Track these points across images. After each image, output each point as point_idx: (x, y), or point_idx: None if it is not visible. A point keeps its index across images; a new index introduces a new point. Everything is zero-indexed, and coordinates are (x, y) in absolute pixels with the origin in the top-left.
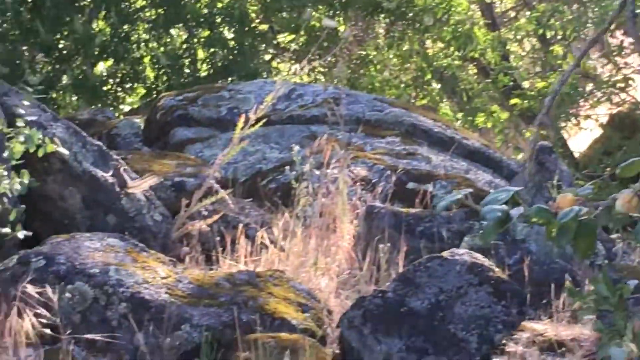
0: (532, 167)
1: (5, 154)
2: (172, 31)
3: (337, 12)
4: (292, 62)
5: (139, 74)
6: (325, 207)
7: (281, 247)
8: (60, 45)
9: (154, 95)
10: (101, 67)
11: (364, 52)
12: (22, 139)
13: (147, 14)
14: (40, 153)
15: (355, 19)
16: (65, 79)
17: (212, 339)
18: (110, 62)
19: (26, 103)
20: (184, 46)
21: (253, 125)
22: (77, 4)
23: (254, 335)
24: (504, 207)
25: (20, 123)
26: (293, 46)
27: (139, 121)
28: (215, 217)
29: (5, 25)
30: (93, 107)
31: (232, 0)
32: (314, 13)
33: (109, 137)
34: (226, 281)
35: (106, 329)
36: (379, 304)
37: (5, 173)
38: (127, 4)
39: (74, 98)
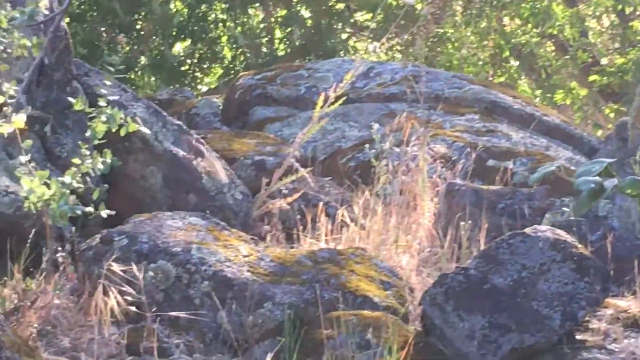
0: (615, 143)
1: (88, 134)
2: (250, 11)
3: None
4: (369, 40)
5: (217, 54)
6: (405, 184)
7: (362, 225)
8: (138, 26)
9: (232, 75)
10: (178, 48)
11: (441, 30)
12: (104, 118)
13: None
14: (122, 132)
15: None
16: (143, 60)
17: (295, 316)
18: (188, 42)
19: (108, 83)
20: (262, 26)
21: (332, 103)
22: None
23: (337, 312)
24: (598, 178)
25: (102, 103)
26: (370, 24)
27: (218, 101)
28: (296, 195)
29: (83, 6)
30: (171, 87)
31: None
32: None
33: (188, 117)
34: (308, 259)
35: (189, 307)
36: (462, 281)
37: (88, 152)
38: None
39: (152, 78)
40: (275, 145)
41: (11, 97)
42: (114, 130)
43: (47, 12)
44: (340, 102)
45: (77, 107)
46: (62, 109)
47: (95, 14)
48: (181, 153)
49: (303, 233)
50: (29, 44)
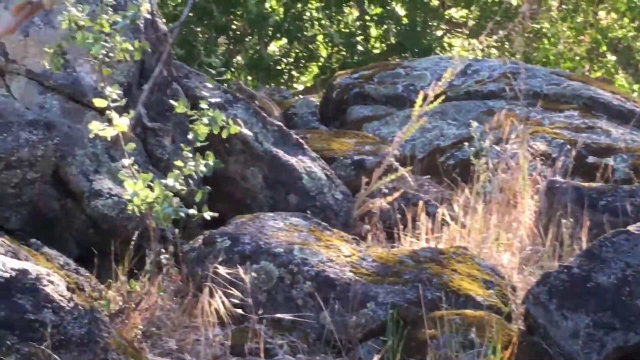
0: None
1: (190, 136)
2: (345, 9)
3: None
4: (465, 37)
5: (312, 53)
6: (505, 182)
7: (462, 224)
8: (234, 26)
9: (327, 74)
10: (274, 47)
11: (537, 25)
12: (206, 120)
13: None
14: (224, 135)
15: None
16: (239, 59)
17: (397, 316)
18: (284, 41)
19: (209, 85)
20: (357, 24)
21: (431, 102)
22: None
23: (439, 312)
24: None
25: (203, 105)
26: (466, 21)
27: (315, 100)
28: (396, 194)
29: (180, 7)
30: (268, 86)
31: None
32: None
33: (286, 117)
34: (409, 258)
35: (292, 308)
36: (565, 279)
37: (190, 155)
38: None
39: (249, 78)
40: (374, 145)
41: (114, 100)
42: (215, 132)
43: (148, 16)
44: (439, 100)
45: (179, 110)
46: (163, 111)
47: (191, 14)
48: (281, 153)
49: (403, 232)
50: (130, 47)
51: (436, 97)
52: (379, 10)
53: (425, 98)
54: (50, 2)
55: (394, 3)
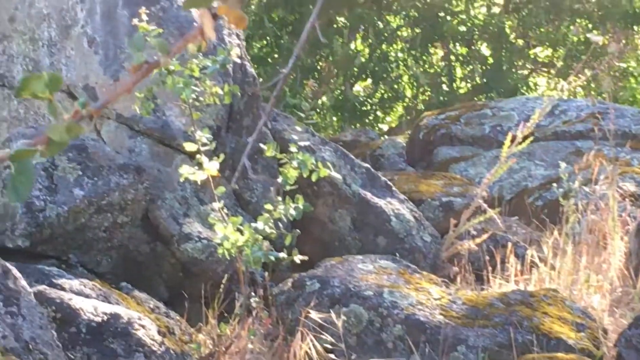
0: None
1: (279, 179)
2: (430, 49)
3: (596, 24)
4: (551, 76)
5: (398, 93)
6: (594, 223)
7: (551, 265)
8: (319, 67)
9: (412, 114)
10: (359, 87)
11: (624, 65)
12: (295, 164)
13: (405, 33)
14: (314, 178)
15: (613, 31)
16: (325, 100)
17: None
18: (369, 81)
19: (298, 129)
20: (442, 64)
21: (520, 143)
22: (335, 26)
23: (531, 355)
24: None
25: (293, 149)
26: (553, 61)
27: (402, 141)
28: (484, 236)
29: (265, 49)
30: (353, 126)
31: (489, 16)
32: (570, 26)
33: (373, 158)
34: (499, 301)
35: (382, 352)
36: None
37: (280, 198)
38: (384, 23)
39: (334, 119)
40: (462, 186)
41: (204, 144)
42: (305, 176)
43: (237, 60)
44: (528, 141)
45: (269, 154)
46: (252, 154)
47: (276, 56)
48: (369, 195)
49: (492, 274)
50: (220, 91)
51: (524, 138)
52: (464, 50)
53: (513, 139)
54: (166, 61)
55: (479, 43)
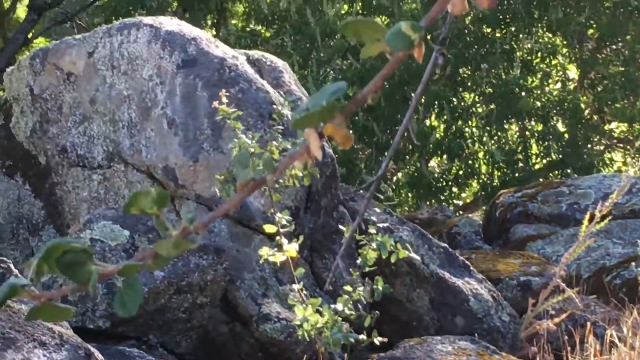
0: None
1: (358, 261)
2: (505, 126)
3: None
4: (627, 152)
5: (473, 169)
6: None
7: (631, 345)
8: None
9: (488, 190)
10: (434, 164)
11: None
12: (374, 245)
13: (480, 110)
14: (393, 259)
15: None
16: (400, 176)
17: None
18: (444, 158)
19: (377, 210)
20: (518, 140)
21: (598, 222)
22: (410, 102)
23: None
24: None
25: (372, 230)
26: (628, 136)
27: (478, 219)
28: (563, 315)
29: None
30: (428, 203)
31: (564, 92)
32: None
33: (450, 236)
34: None
35: None
36: None
37: (359, 279)
38: (459, 100)
39: (409, 195)
40: (539, 265)
41: (283, 225)
42: (384, 257)
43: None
44: (607, 220)
45: (347, 235)
46: (330, 234)
47: (351, 132)
48: (447, 275)
49: (571, 354)
50: (299, 173)
51: (602, 216)
52: (539, 126)
53: (592, 218)
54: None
55: (554, 119)
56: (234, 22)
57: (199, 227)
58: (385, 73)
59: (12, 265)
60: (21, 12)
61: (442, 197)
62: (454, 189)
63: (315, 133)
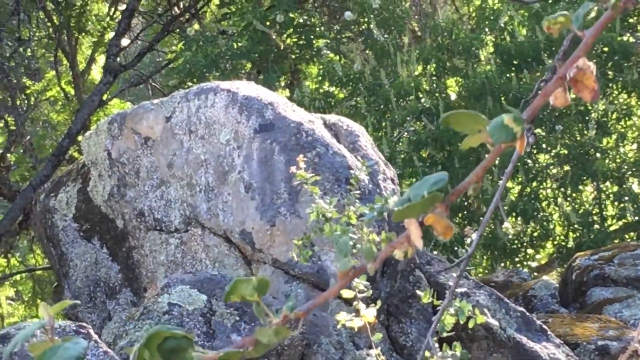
0: None
1: (436, 326)
2: (580, 187)
3: None
4: None
5: (548, 231)
6: None
7: None
8: (468, 205)
9: (563, 252)
10: (508, 225)
11: None
12: (452, 311)
13: (555, 171)
14: (471, 325)
15: None
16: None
17: None
18: (519, 220)
19: (454, 275)
20: (593, 202)
21: None
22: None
23: None
24: None
25: (448, 294)
26: None
27: (554, 282)
28: None
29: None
30: (502, 264)
31: (639, 153)
32: None
33: (525, 299)
34: None
35: None
36: None
37: (436, 344)
38: (534, 161)
39: (484, 257)
40: (617, 329)
41: (361, 291)
42: (462, 322)
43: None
44: None
45: (425, 300)
46: (406, 298)
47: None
48: (525, 340)
49: None
50: (377, 238)
51: None
52: (615, 188)
53: None
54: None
55: (630, 180)
56: (307, 83)
57: (299, 315)
58: (486, 165)
59: (91, 331)
60: (96, 74)
61: (517, 259)
62: (529, 251)
63: (416, 222)
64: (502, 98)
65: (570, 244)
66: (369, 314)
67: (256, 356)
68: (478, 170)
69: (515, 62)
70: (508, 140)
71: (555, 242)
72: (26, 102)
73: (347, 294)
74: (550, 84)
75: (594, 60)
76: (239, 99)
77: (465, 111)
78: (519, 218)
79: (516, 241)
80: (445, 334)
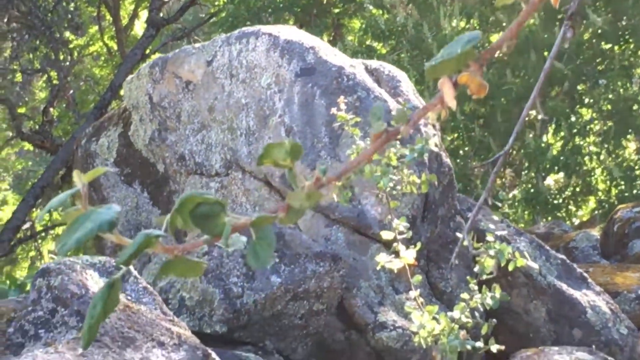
0: None
1: (476, 269)
2: (623, 142)
3: None
4: None
5: (590, 187)
6: None
7: None
8: (511, 159)
9: (605, 207)
10: (551, 181)
11: None
12: (492, 253)
13: (598, 127)
14: (511, 267)
15: None
16: (516, 193)
17: None
18: (561, 175)
19: (495, 218)
20: (636, 157)
21: None
22: (527, 119)
23: None
24: None
25: (489, 238)
26: None
27: (596, 234)
28: None
29: (456, 141)
30: (544, 220)
31: None
32: None
33: (566, 250)
34: None
35: None
36: None
37: (476, 287)
38: (577, 116)
39: (525, 212)
40: None
41: (400, 232)
42: (502, 265)
43: (435, 150)
44: None
45: (465, 243)
46: (446, 243)
47: (467, 148)
48: (565, 287)
49: None
50: (417, 180)
51: None
52: None
53: None
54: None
55: None
56: (350, 38)
57: (331, 179)
58: (521, 20)
59: (131, 267)
60: (139, 29)
61: (559, 215)
62: (571, 207)
63: (449, 81)
64: (545, 52)
65: (613, 199)
66: (409, 255)
67: (289, 223)
68: (513, 27)
69: (558, 17)
70: None
71: (598, 198)
72: (69, 56)
73: (386, 235)
74: None
75: None
76: (281, 42)
77: None
78: (562, 173)
79: (558, 196)
80: (485, 277)
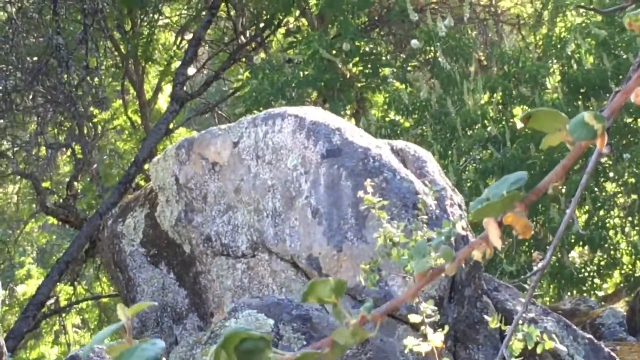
0: None
1: (504, 352)
2: None
3: None
4: None
5: (615, 260)
6: None
7: None
8: (535, 232)
9: (631, 281)
10: (575, 254)
11: None
12: (520, 336)
13: (622, 200)
14: (539, 350)
15: None
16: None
17: None
18: (586, 249)
19: (522, 300)
20: None
21: None
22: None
23: None
24: None
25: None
26: None
27: (622, 309)
28: None
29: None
30: (569, 294)
31: None
32: None
33: (592, 327)
34: None
35: None
36: None
37: None
38: (601, 190)
39: (550, 286)
40: None
41: (428, 315)
42: (530, 347)
43: (462, 232)
44: None
45: (492, 325)
46: (473, 324)
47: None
48: None
49: None
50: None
51: None
52: None
53: None
54: (451, 268)
55: None
56: (373, 112)
57: (377, 317)
58: (567, 163)
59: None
60: (163, 103)
61: (584, 288)
62: (596, 280)
63: (494, 222)
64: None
65: (638, 272)
66: (437, 338)
67: (333, 358)
68: (558, 169)
69: (582, 91)
70: (589, 137)
71: (623, 271)
72: (93, 130)
73: (414, 318)
74: (632, 81)
75: None
76: (307, 124)
77: (545, 109)
78: (586, 247)
79: (583, 270)
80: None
